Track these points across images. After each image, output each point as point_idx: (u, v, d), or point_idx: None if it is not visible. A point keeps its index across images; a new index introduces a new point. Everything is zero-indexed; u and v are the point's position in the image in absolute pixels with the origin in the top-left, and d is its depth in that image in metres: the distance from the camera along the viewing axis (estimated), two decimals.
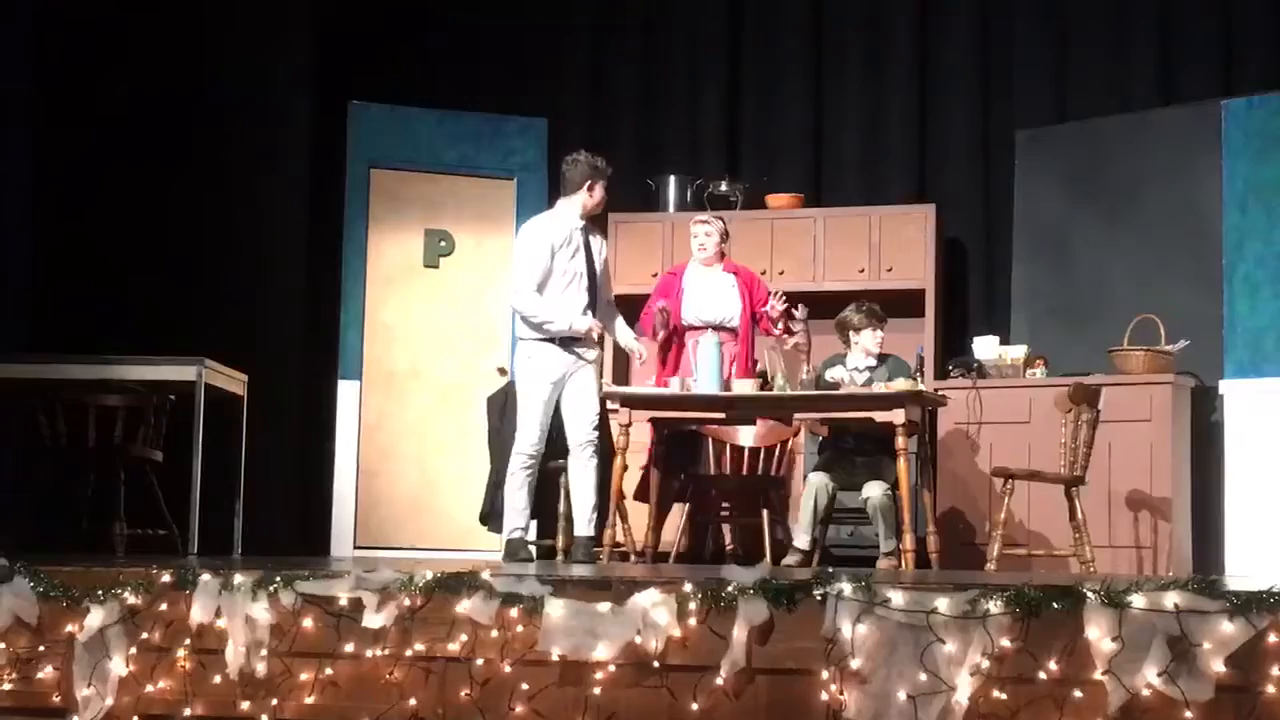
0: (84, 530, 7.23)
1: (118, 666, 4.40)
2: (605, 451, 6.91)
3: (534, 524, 7.18)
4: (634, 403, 6.94)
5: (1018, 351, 7.99)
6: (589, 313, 6.79)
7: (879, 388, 6.91)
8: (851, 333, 7.33)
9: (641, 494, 7.36)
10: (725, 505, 7.49)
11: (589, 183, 6.87)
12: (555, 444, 6.89)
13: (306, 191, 8.81)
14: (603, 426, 6.91)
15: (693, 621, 4.05)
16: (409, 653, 4.23)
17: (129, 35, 8.28)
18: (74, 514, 7.31)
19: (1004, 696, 3.82)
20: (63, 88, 8.06)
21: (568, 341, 6.78)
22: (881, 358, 7.32)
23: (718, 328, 7.30)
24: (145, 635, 4.41)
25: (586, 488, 6.78)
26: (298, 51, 8.79)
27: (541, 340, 6.77)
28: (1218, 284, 7.77)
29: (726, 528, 7.58)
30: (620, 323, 7.20)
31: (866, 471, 7.09)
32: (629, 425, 6.90)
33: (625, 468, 6.94)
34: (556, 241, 6.81)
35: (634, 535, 7.20)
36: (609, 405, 7.03)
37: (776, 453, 7.51)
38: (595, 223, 7.13)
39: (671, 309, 7.34)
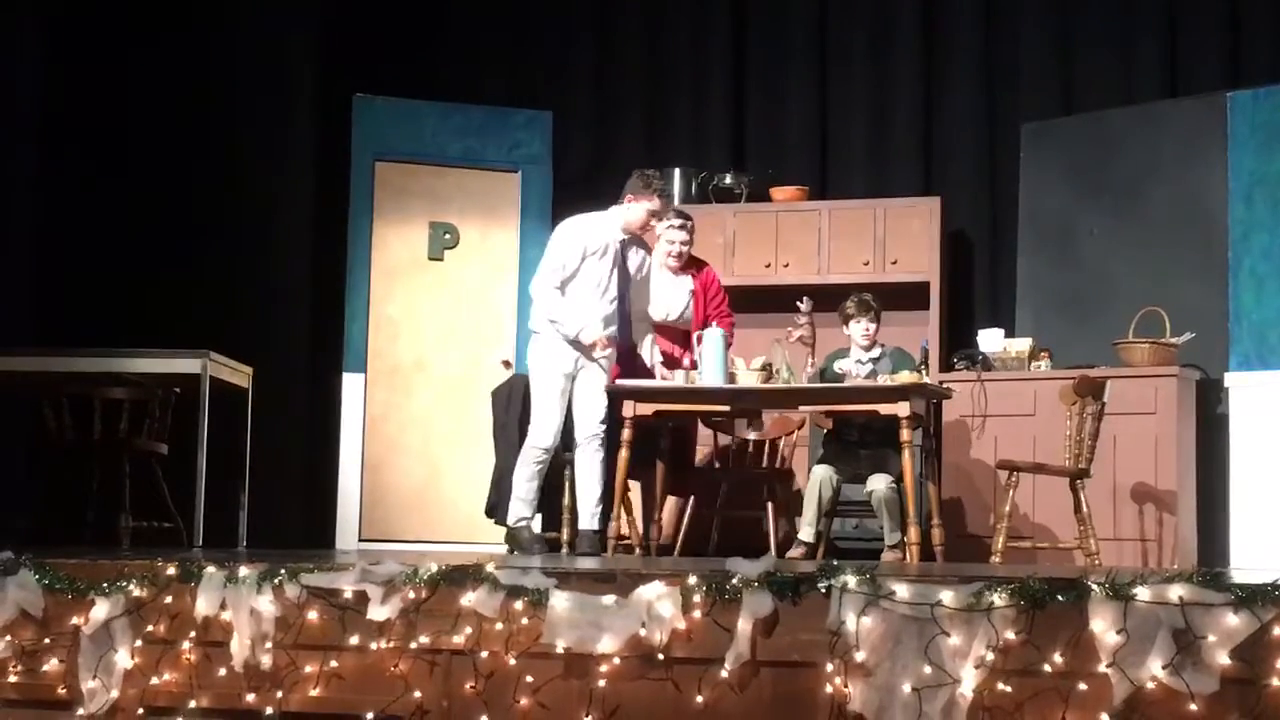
0: (89, 523, 7.25)
1: (123, 659, 4.42)
2: (610, 445, 6.90)
3: (539, 517, 7.18)
4: (639, 396, 6.92)
5: (1022, 344, 7.98)
6: (601, 325, 6.75)
7: (883, 380, 6.90)
8: (843, 324, 7.32)
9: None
10: (729, 498, 7.49)
11: (630, 196, 6.83)
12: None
13: (311, 184, 8.80)
14: (609, 420, 6.90)
15: (697, 614, 4.05)
16: (414, 645, 4.24)
17: (134, 28, 8.28)
18: (79, 507, 7.32)
19: (1009, 689, 3.82)
20: (68, 79, 8.06)
21: None
22: (884, 349, 7.30)
23: (666, 326, 7.27)
24: (150, 628, 4.43)
25: (592, 481, 6.78)
26: (303, 44, 8.79)
27: (554, 334, 6.77)
28: (1223, 277, 7.75)
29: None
30: (649, 340, 7.18)
31: (871, 464, 7.08)
32: (634, 418, 6.88)
33: (629, 461, 6.93)
34: (590, 246, 6.78)
35: (637, 528, 7.20)
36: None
37: (781, 445, 7.50)
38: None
39: None
